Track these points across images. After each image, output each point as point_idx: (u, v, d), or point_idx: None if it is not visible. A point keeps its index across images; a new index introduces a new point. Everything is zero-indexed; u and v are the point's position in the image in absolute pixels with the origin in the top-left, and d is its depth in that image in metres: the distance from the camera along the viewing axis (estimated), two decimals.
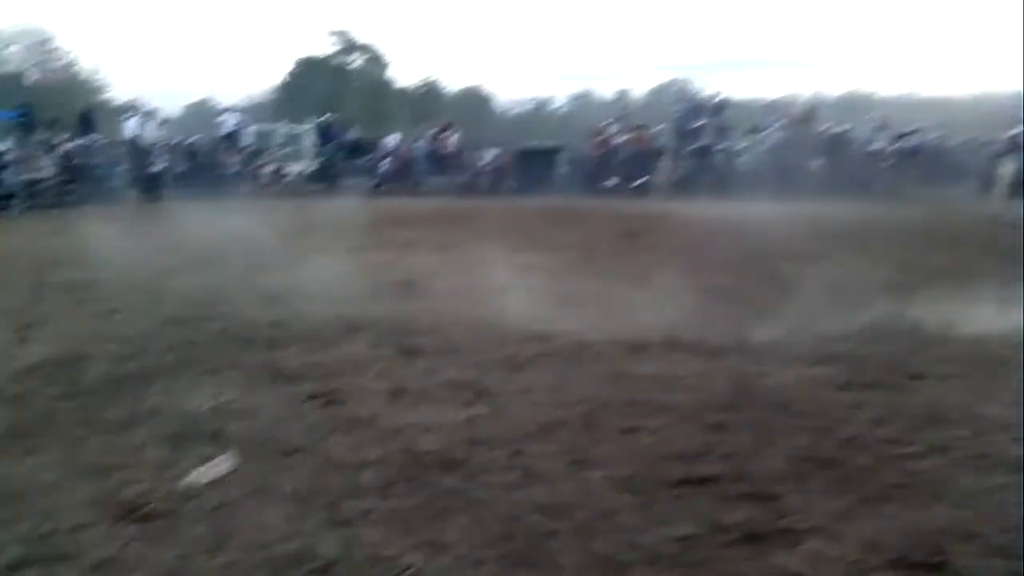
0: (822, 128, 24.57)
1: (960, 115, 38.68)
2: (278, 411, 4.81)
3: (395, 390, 5.16)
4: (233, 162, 24.29)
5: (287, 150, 26.61)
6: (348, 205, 20.11)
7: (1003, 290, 8.32)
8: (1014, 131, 21.67)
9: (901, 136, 23.76)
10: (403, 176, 25.26)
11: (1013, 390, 5.19)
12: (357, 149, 26.12)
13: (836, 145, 23.89)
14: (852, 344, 6.37)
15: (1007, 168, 19.89)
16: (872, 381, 5.36)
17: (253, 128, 26.88)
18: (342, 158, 24.99)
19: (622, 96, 58.34)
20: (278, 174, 25.16)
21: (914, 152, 23.43)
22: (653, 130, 25.89)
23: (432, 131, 26.54)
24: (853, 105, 44.83)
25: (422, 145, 25.85)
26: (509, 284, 8.78)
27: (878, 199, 21.77)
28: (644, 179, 24.39)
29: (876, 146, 24.09)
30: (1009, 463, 4.02)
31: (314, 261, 10.38)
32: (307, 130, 27.39)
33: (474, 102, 60.14)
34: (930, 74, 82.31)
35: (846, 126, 24.84)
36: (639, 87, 64.18)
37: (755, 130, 24.58)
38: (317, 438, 4.37)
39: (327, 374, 5.51)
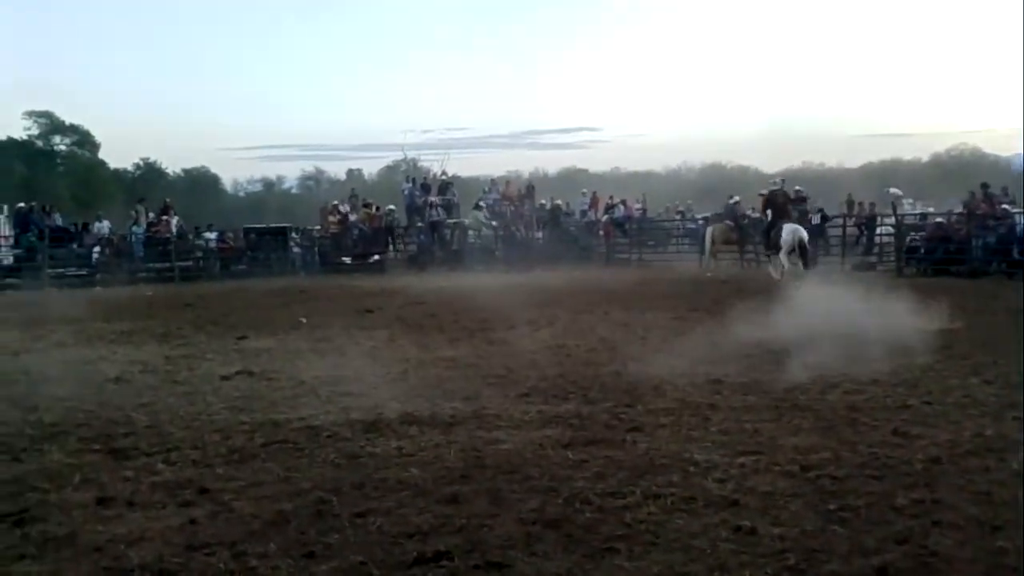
0: (541, 202, 26.17)
1: (659, 187, 43.10)
2: None
3: (101, 499, 4.65)
4: None
5: None
6: (54, 297, 18.36)
7: (706, 340, 9.26)
8: (733, 199, 24.34)
9: (610, 208, 25.89)
10: (119, 263, 23.49)
11: (714, 433, 5.70)
12: (64, 236, 23.98)
13: (555, 217, 25.53)
14: (577, 402, 6.71)
15: (717, 231, 22.24)
16: (594, 438, 5.65)
17: None
18: (46, 246, 22.77)
19: (352, 176, 58.57)
20: None
21: (622, 221, 25.60)
22: (384, 208, 26.24)
23: (150, 214, 25.01)
24: (569, 180, 48.21)
25: (139, 229, 24.23)
26: (237, 371, 8.40)
27: (596, 264, 23.56)
28: (378, 255, 24.58)
29: (590, 217, 26.06)
30: (715, 503, 4.36)
31: (4, 361, 9.31)
32: (3, 219, 24.77)
33: (199, 184, 57.65)
34: (633, 151, 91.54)
35: (560, 201, 26.64)
36: (369, 166, 64.79)
37: (479, 206, 25.67)
38: None
39: (19, 490, 4.85)
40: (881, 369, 7.54)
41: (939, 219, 21.19)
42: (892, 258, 21.03)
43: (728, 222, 22.99)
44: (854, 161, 57.88)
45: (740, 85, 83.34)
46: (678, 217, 27.10)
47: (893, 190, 24.99)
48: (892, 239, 21.64)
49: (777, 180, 17.89)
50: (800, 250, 14.64)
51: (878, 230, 22.70)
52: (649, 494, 4.48)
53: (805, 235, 14.90)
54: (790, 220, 15.10)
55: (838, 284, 13.86)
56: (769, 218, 15.86)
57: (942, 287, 14.52)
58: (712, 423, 5.97)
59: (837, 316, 9.93)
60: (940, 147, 57.80)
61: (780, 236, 14.98)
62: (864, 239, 22.79)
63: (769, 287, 14.13)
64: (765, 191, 17.18)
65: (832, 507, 4.26)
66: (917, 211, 24.13)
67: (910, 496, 4.39)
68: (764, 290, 13.87)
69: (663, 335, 10.14)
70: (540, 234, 25.27)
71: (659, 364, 8.17)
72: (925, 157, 55.89)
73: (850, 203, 24.09)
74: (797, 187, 23.92)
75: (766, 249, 16.04)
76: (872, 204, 23.71)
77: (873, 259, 21.56)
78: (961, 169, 45.65)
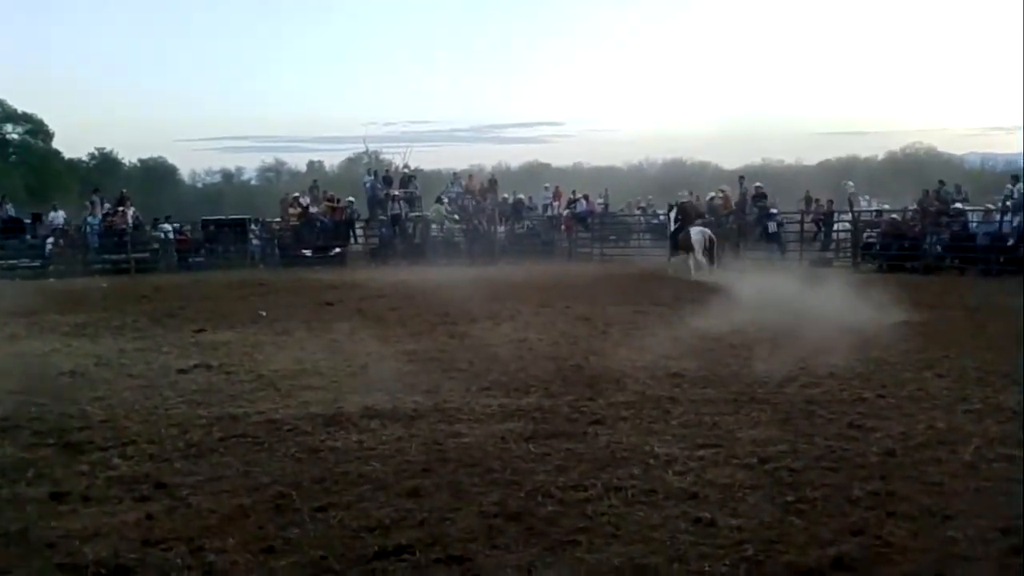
0: (504, 196, 26.14)
1: (621, 182, 43.29)
2: None
3: (55, 494, 4.56)
4: None
5: None
6: (6, 288, 17.90)
7: (667, 334, 9.34)
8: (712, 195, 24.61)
9: (572, 202, 25.94)
10: (73, 254, 23.03)
11: (675, 426, 5.76)
12: (16, 227, 23.44)
13: (517, 211, 25.54)
14: (538, 396, 6.73)
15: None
16: (556, 431, 5.67)
17: None
18: None
19: (313, 168, 57.99)
20: None
21: (584, 216, 25.65)
22: (345, 200, 26.01)
23: (105, 205, 24.51)
24: (532, 175, 48.21)
25: (95, 220, 23.74)
26: (195, 365, 8.28)
27: (558, 259, 23.62)
28: (339, 248, 24.38)
29: (552, 212, 26.09)
30: (674, 495, 4.40)
31: None
32: None
33: (156, 175, 56.68)
34: (595, 146, 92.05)
35: (523, 195, 26.65)
36: (330, 159, 64.31)
37: (441, 200, 25.57)
38: None
39: None
40: (837, 363, 7.66)
41: (894, 216, 21.60)
42: (848, 254, 21.39)
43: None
44: (812, 158, 58.81)
45: (702, 82, 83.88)
46: (639, 212, 27.23)
47: (848, 183, 25.56)
48: (849, 235, 22.01)
49: (685, 193, 21.82)
50: (709, 249, 17.49)
51: (835, 226, 23.06)
52: (610, 487, 4.51)
53: (712, 236, 17.91)
54: (694, 225, 18.15)
55: (795, 280, 14.08)
56: (678, 224, 18.69)
57: (897, 283, 14.79)
58: (672, 416, 6.03)
59: (794, 311, 10.09)
60: (895, 145, 58.80)
61: (691, 238, 17.58)
62: (822, 235, 23.14)
63: (730, 283, 14.28)
64: (679, 200, 20.27)
65: (790, 499, 4.33)
66: (873, 208, 24.52)
67: (865, 488, 4.47)
68: (725, 286, 14.01)
69: (624, 329, 10.21)
70: (502, 228, 25.24)
71: (620, 358, 8.23)
72: (881, 155, 56.86)
73: (808, 200, 24.41)
74: (757, 183, 24.24)
75: (674, 250, 18.67)
76: (830, 201, 24.06)
77: (830, 255, 21.90)
78: (916, 167, 46.47)
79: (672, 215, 19.51)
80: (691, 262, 17.26)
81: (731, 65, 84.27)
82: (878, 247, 20.59)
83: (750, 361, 7.86)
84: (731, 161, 53.10)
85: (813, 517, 4.10)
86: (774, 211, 22.93)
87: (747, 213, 23.07)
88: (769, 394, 6.65)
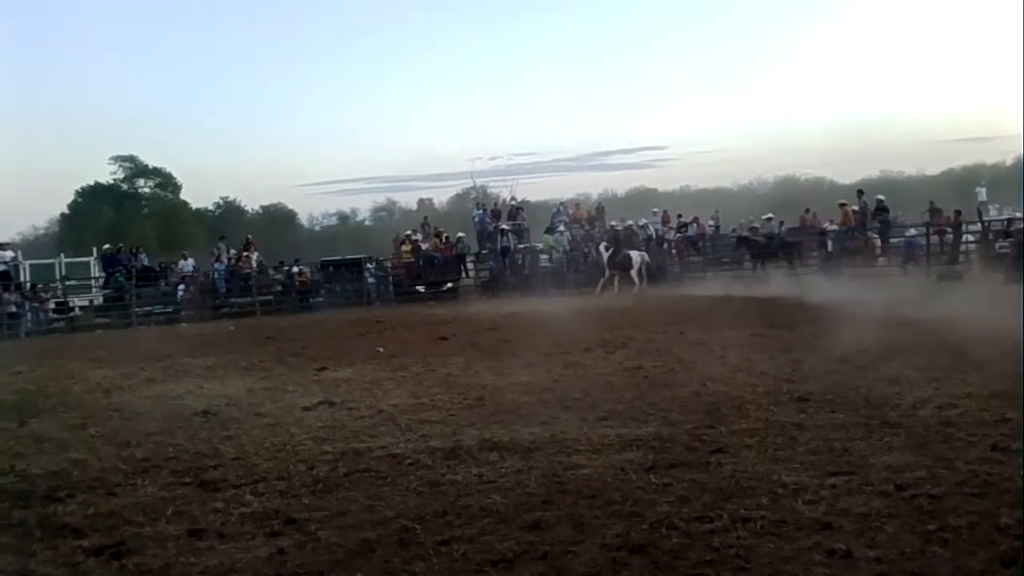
0: (611, 223, 26.03)
1: (732, 203, 42.49)
2: (56, 571, 4.29)
3: (193, 531, 4.75)
4: (10, 300, 22.28)
5: (71, 283, 25.02)
6: (142, 334, 19.01)
7: (788, 356, 9.05)
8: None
9: (682, 226, 25.59)
10: (203, 299, 24.28)
11: (802, 453, 5.54)
12: (150, 276, 24.92)
13: (626, 238, 25.36)
14: (656, 425, 6.61)
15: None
16: (676, 460, 5.54)
17: (28, 263, 25.26)
18: (133, 286, 23.67)
19: (423, 205, 59.45)
20: (64, 308, 23.60)
21: (694, 240, 25.26)
22: (455, 236, 26.49)
23: (231, 251, 25.78)
24: (639, 200, 47.93)
25: (221, 266, 24.99)
26: (318, 402, 8.51)
27: (669, 284, 23.29)
28: (451, 283, 24.80)
29: (656, 235, 25.82)
30: (806, 526, 4.22)
31: (97, 399, 9.65)
32: (92, 261, 25.99)
33: (277, 220, 59.31)
34: (702, 168, 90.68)
35: (631, 221, 26.49)
36: (439, 195, 65.89)
37: (550, 230, 25.69)
38: None
39: (115, 523, 5.00)
40: (975, 381, 7.24)
41: None
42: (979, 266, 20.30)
43: None
44: (934, 168, 56.39)
45: (809, 93, 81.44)
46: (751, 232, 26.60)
47: (980, 189, 24.81)
48: (978, 247, 20.92)
49: (617, 222, 25.54)
50: (647, 270, 21.93)
51: (963, 237, 21.96)
52: (737, 518, 4.36)
53: (648, 258, 22.31)
54: (631, 249, 22.40)
55: (924, 294, 13.44)
56: (612, 250, 22.12)
57: None
58: (799, 443, 5.80)
59: (925, 328, 9.62)
60: None
61: (629, 260, 21.71)
62: (949, 247, 22.04)
63: (855, 301, 13.76)
64: (618, 226, 24.55)
65: (931, 528, 4.09)
66: (1003, 216, 23.19)
67: (1014, 515, 4.17)
68: (845, 305, 13.50)
69: (743, 353, 9.94)
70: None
71: (740, 383, 8.01)
72: (1009, 160, 53.91)
73: (932, 211, 23.31)
74: (879, 196, 23.38)
75: (610, 270, 22.00)
76: (957, 211, 22.90)
77: (959, 267, 20.83)
78: None
79: (603, 245, 22.66)
80: (624, 281, 21.33)
81: (839, 74, 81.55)
82: (1012, 258, 19.42)
83: (879, 383, 7.51)
84: (848, 175, 51.49)
85: (958, 547, 3.85)
86: (910, 227, 22.12)
87: (868, 227, 22.23)
88: (902, 417, 6.33)
